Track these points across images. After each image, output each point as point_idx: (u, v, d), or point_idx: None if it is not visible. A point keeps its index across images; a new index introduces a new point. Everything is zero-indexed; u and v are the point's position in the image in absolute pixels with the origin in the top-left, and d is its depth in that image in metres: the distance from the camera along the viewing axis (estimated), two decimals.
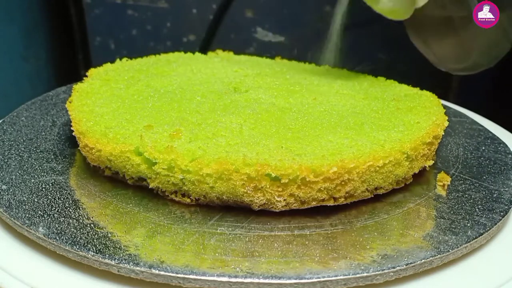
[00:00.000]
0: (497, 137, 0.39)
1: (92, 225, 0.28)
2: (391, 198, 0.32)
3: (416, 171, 0.33)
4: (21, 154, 0.34)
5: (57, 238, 0.26)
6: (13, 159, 0.33)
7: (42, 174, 0.32)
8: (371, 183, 0.30)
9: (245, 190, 0.28)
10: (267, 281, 0.24)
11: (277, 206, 0.29)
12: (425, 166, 0.34)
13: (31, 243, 0.28)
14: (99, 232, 0.27)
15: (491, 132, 0.40)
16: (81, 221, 0.28)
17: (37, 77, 0.73)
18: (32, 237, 0.27)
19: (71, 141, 0.36)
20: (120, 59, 0.43)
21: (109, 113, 0.34)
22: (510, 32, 0.44)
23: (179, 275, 0.24)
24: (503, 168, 0.35)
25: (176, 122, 0.33)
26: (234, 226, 0.28)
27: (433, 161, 0.34)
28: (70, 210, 0.29)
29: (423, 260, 0.26)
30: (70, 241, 0.26)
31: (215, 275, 0.24)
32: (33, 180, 0.31)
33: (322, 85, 0.40)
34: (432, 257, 0.26)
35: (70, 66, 0.78)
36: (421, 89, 0.40)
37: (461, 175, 0.34)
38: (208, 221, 0.29)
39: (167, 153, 0.29)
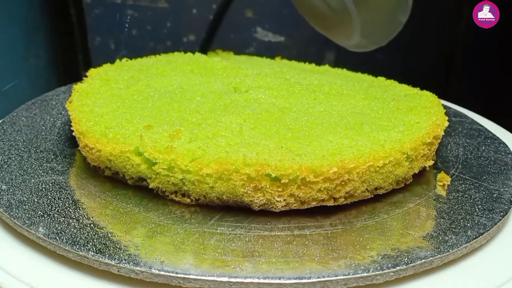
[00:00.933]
0: (497, 137, 0.39)
1: (92, 225, 0.28)
2: (391, 198, 0.32)
3: (416, 171, 0.33)
4: (21, 154, 0.34)
5: (57, 238, 0.26)
6: (13, 159, 0.33)
7: (42, 174, 0.32)
8: (371, 183, 0.30)
9: (245, 190, 0.28)
10: (267, 281, 0.24)
11: (277, 206, 0.29)
12: (425, 166, 0.34)
13: (31, 243, 0.28)
14: (99, 232, 0.27)
15: (491, 132, 0.40)
16: (81, 221, 0.28)
17: (37, 77, 0.72)
18: (32, 237, 0.27)
19: (71, 141, 0.36)
20: (120, 59, 0.43)
21: (109, 113, 0.34)
22: (399, 11, 0.43)
23: (179, 275, 0.24)
24: (503, 168, 0.35)
25: (176, 122, 0.33)
26: (234, 226, 0.28)
27: (433, 161, 0.34)
28: (70, 210, 0.29)
29: (423, 260, 0.26)
30: (70, 241, 0.26)
31: (215, 275, 0.24)
32: (33, 180, 0.31)
33: (322, 85, 0.40)
34: (432, 257, 0.26)
35: (70, 66, 0.78)
36: (421, 89, 0.40)
37: (461, 175, 0.34)
38: (208, 221, 0.29)
39: (167, 153, 0.29)
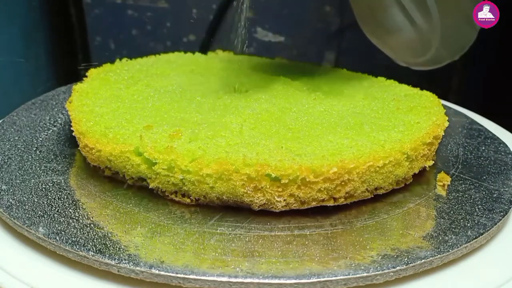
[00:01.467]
0: (497, 137, 0.39)
1: (92, 225, 0.28)
2: (391, 198, 0.32)
3: (416, 171, 0.33)
4: (21, 154, 0.34)
5: (57, 238, 0.26)
6: (13, 159, 0.33)
7: (42, 174, 0.32)
8: (371, 183, 0.30)
9: (245, 190, 0.28)
10: (267, 281, 0.24)
11: (277, 206, 0.29)
12: (425, 166, 0.34)
13: (31, 243, 0.28)
14: (99, 232, 0.27)
15: (491, 132, 0.40)
16: (81, 221, 0.28)
17: (37, 77, 0.72)
18: (32, 237, 0.27)
19: (71, 141, 0.36)
20: (120, 59, 0.43)
21: (109, 113, 0.34)
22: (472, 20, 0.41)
23: (179, 275, 0.24)
24: (503, 168, 0.35)
25: (176, 122, 0.33)
26: (234, 226, 0.28)
27: (433, 161, 0.34)
28: (70, 210, 0.29)
29: (423, 260, 0.26)
30: (70, 241, 0.26)
31: (215, 275, 0.24)
32: (33, 180, 0.31)
33: (322, 85, 0.40)
34: (432, 257, 0.26)
35: (70, 66, 0.78)
36: (421, 89, 0.40)
37: (461, 175, 0.34)
38: (208, 221, 0.29)
39: (167, 153, 0.29)
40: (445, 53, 0.43)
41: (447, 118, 0.35)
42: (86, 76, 0.40)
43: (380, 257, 0.26)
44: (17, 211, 0.28)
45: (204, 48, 0.67)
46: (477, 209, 0.30)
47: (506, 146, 0.38)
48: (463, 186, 0.33)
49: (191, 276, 0.24)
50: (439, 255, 0.26)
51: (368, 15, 0.45)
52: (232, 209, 0.30)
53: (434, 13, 0.40)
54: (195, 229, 0.28)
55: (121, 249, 0.26)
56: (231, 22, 0.66)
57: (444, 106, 0.37)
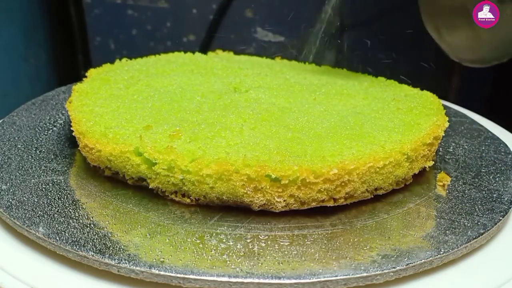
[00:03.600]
0: (497, 137, 0.39)
1: (92, 225, 0.28)
2: (391, 198, 0.32)
3: (416, 171, 0.33)
4: (21, 154, 0.34)
5: (57, 238, 0.26)
6: (13, 159, 0.33)
7: (42, 174, 0.32)
8: (371, 184, 0.30)
9: (245, 191, 0.28)
10: (267, 281, 0.24)
11: (277, 207, 0.29)
12: (425, 167, 0.34)
13: (31, 243, 0.28)
14: (99, 232, 0.27)
15: (491, 132, 0.40)
16: (81, 221, 0.28)
17: (37, 77, 0.73)
18: (32, 237, 0.27)
19: (71, 141, 0.36)
20: (120, 59, 0.43)
21: (109, 113, 0.34)
22: None
23: (179, 275, 0.24)
24: (503, 168, 0.35)
25: (176, 122, 0.33)
26: (234, 226, 0.28)
27: (433, 162, 0.34)
28: (70, 210, 0.29)
29: (423, 260, 0.26)
30: (70, 241, 0.26)
31: (215, 275, 0.24)
32: (33, 180, 0.31)
33: (322, 85, 0.40)
34: (432, 257, 0.26)
35: (70, 66, 0.78)
36: (422, 89, 0.40)
37: (461, 175, 0.34)
38: (208, 221, 0.29)
39: (167, 153, 0.29)
40: (495, 54, 0.46)
41: (447, 119, 0.35)
42: (86, 76, 0.40)
43: (380, 257, 0.26)
44: (17, 211, 0.28)
45: (204, 48, 0.67)
46: (477, 209, 0.30)
47: (506, 146, 0.38)
48: (463, 186, 0.33)
49: (191, 276, 0.24)
50: (439, 255, 0.26)
51: (437, 13, 0.48)
52: (232, 209, 0.30)
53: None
54: (195, 229, 0.28)
55: (121, 249, 0.26)
56: (231, 22, 0.66)
57: (444, 106, 0.37)
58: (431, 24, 0.50)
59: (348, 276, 0.25)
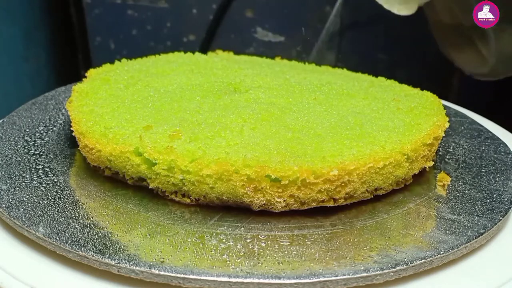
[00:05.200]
0: (497, 137, 0.39)
1: (92, 225, 0.28)
2: (391, 198, 0.32)
3: (416, 172, 0.33)
4: (21, 154, 0.34)
5: (57, 238, 0.26)
6: (13, 159, 0.33)
7: (42, 174, 0.32)
8: (371, 184, 0.30)
9: (245, 191, 0.28)
10: (267, 281, 0.24)
11: (277, 207, 0.29)
12: (425, 167, 0.34)
13: (31, 243, 0.28)
14: (99, 232, 0.27)
15: (491, 132, 0.40)
16: (81, 221, 0.28)
17: (37, 77, 0.73)
18: (32, 237, 0.27)
19: (71, 141, 0.36)
20: (120, 59, 0.43)
21: (109, 113, 0.34)
22: None
23: (179, 275, 0.24)
24: (503, 168, 0.35)
25: (176, 122, 0.33)
26: (234, 226, 0.28)
27: (433, 162, 0.34)
28: (70, 210, 0.29)
29: (423, 260, 0.26)
30: (70, 241, 0.26)
31: (215, 275, 0.24)
32: (33, 180, 0.31)
33: (322, 85, 0.40)
34: (432, 257, 0.26)
35: (70, 66, 0.78)
36: (422, 89, 0.40)
37: (461, 175, 0.34)
38: (208, 221, 0.29)
39: (167, 153, 0.29)
40: (501, 68, 0.50)
41: (447, 119, 0.35)
42: (86, 76, 0.40)
43: (380, 257, 0.26)
44: (17, 211, 0.28)
45: (204, 48, 0.67)
46: (477, 209, 0.30)
47: (506, 146, 0.38)
48: (463, 186, 0.33)
49: (191, 276, 0.24)
50: (439, 255, 0.26)
51: (445, 34, 0.53)
52: (232, 209, 0.30)
53: (491, 38, 0.47)
54: (195, 229, 0.28)
55: (121, 249, 0.26)
56: (231, 22, 0.66)
57: (444, 106, 0.37)
58: (441, 44, 0.54)
59: (348, 276, 0.25)
